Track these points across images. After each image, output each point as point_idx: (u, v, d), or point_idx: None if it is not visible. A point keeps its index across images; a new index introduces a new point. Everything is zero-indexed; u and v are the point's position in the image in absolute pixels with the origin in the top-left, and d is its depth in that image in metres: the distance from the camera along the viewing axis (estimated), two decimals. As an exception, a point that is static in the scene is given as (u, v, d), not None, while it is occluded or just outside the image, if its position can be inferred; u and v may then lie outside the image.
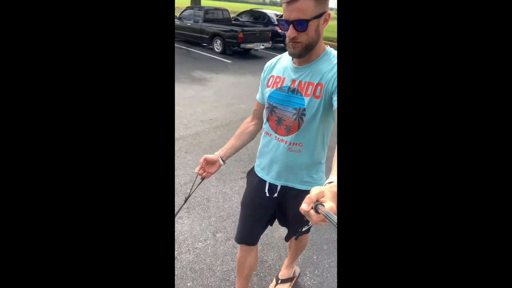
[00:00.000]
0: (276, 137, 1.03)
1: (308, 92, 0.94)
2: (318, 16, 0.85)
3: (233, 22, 9.19)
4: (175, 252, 1.73)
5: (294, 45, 0.88)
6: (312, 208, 0.47)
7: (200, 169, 1.12)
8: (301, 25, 0.83)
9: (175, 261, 1.67)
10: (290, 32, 0.84)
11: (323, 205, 0.47)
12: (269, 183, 1.12)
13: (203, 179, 1.14)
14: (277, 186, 1.11)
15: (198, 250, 1.76)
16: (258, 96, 1.15)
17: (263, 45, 7.98)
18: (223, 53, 7.71)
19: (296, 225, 1.19)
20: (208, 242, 1.82)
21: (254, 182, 1.18)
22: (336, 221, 0.44)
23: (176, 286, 1.54)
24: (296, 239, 1.31)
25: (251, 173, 1.22)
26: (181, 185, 2.34)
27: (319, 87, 0.92)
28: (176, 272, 1.61)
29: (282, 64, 1.03)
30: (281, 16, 0.88)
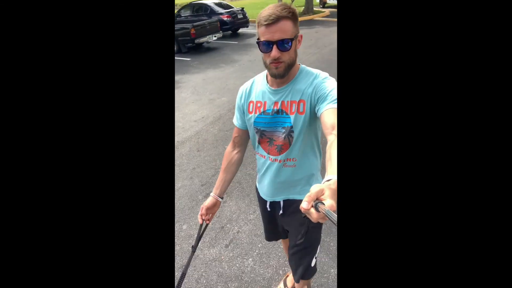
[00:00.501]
0: (269, 157, 1.08)
1: (293, 110, 0.97)
2: (296, 37, 0.90)
3: (177, 19, 9.13)
4: (240, 224, 2.09)
5: (277, 65, 0.90)
6: (312, 206, 0.47)
7: (202, 217, 1.14)
8: (285, 44, 0.87)
9: (245, 228, 2.04)
10: (275, 53, 0.87)
11: (323, 203, 0.46)
12: (270, 202, 1.20)
13: (207, 224, 1.16)
14: (279, 202, 1.17)
15: (253, 220, 2.14)
16: (236, 122, 1.16)
17: (215, 36, 8.14)
18: (179, 52, 7.76)
19: (302, 248, 1.20)
20: (257, 212, 2.20)
21: (259, 200, 1.28)
22: (336, 219, 0.43)
23: (252, 251, 1.92)
24: (303, 273, 1.25)
25: (257, 190, 1.29)
26: (209, 178, 2.66)
27: (301, 104, 0.96)
28: (248, 240, 1.98)
29: (258, 89, 1.05)
30: (258, 38, 0.91)
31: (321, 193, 0.48)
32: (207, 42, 8.45)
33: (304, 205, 0.47)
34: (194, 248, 1.11)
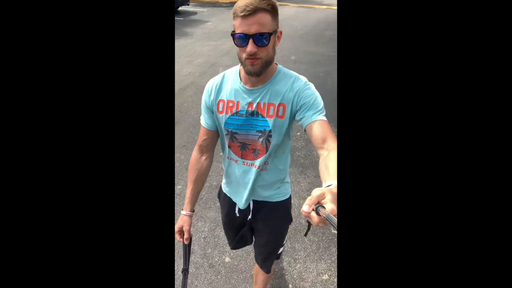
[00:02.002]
0: (244, 162, 1.03)
1: (271, 113, 0.93)
2: (275, 32, 0.84)
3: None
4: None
5: (253, 62, 0.84)
6: (313, 209, 0.47)
7: (180, 238, 1.08)
8: (263, 39, 0.81)
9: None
10: (251, 47, 0.81)
11: (324, 207, 0.47)
12: (239, 207, 1.15)
13: (189, 243, 1.09)
14: (249, 206, 1.14)
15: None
16: (204, 122, 1.06)
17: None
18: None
19: (273, 245, 1.22)
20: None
21: (226, 204, 1.22)
22: (336, 223, 0.43)
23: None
24: (270, 264, 1.28)
25: (221, 196, 1.25)
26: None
27: (281, 107, 0.92)
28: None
29: (230, 86, 0.98)
30: (233, 30, 0.83)
31: (322, 197, 0.48)
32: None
33: (305, 209, 0.47)
34: (185, 271, 1.03)
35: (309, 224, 0.53)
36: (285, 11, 9.92)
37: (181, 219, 1.08)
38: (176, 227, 1.08)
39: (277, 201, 1.14)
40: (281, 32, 0.88)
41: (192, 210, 1.10)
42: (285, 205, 1.17)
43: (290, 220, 1.23)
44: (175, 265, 1.76)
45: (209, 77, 1.25)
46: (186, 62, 5.46)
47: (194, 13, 10.45)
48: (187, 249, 1.07)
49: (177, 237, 1.08)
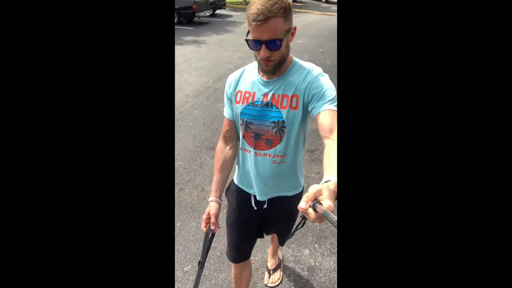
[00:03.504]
0: (256, 152, 1.04)
1: (284, 105, 0.95)
2: (287, 32, 0.86)
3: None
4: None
5: (266, 63, 0.88)
6: (310, 206, 0.47)
7: (206, 225, 1.07)
8: (274, 44, 0.84)
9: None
10: (264, 53, 0.84)
11: (321, 204, 0.46)
12: (255, 197, 1.13)
13: (211, 236, 1.05)
14: (264, 200, 1.13)
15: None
16: (226, 113, 1.09)
17: (208, 12, 10.36)
18: (180, 23, 9.70)
19: (287, 230, 1.26)
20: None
21: (238, 198, 1.19)
22: (333, 220, 0.43)
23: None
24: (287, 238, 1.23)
25: (231, 192, 1.23)
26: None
27: (294, 99, 0.94)
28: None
29: (248, 78, 1.01)
30: (247, 33, 0.87)
31: (319, 193, 0.48)
32: (199, 17, 10.52)
33: (302, 205, 0.47)
34: (202, 264, 0.97)
35: (301, 221, 0.56)
36: (311, 17, 11.54)
37: (209, 206, 1.08)
38: (204, 215, 1.07)
39: (292, 195, 1.15)
40: (295, 28, 0.89)
41: (219, 198, 1.09)
42: (299, 198, 1.22)
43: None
44: (175, 265, 1.78)
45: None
46: (234, 50, 6.80)
47: (230, 15, 11.98)
48: (208, 241, 1.02)
49: (203, 225, 1.07)
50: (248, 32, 0.87)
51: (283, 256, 1.83)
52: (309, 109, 0.93)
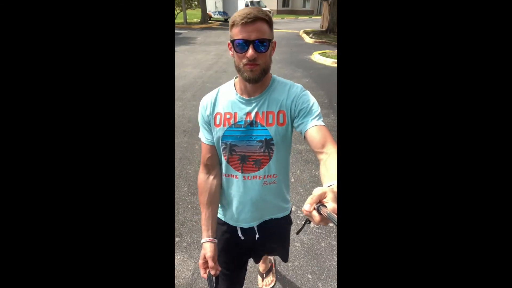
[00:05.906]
0: (244, 176, 0.98)
1: (270, 121, 0.92)
2: (271, 42, 0.85)
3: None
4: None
5: (252, 68, 0.84)
6: (314, 209, 0.47)
7: (206, 271, 0.99)
8: (262, 45, 0.83)
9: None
10: (252, 53, 0.82)
11: (325, 206, 0.46)
12: (241, 227, 1.07)
13: (215, 277, 0.99)
14: (253, 227, 1.07)
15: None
16: (205, 138, 1.00)
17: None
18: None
19: (284, 249, 1.25)
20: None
21: (223, 233, 1.10)
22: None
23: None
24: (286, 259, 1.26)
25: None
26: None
27: (281, 115, 0.92)
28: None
29: (225, 99, 0.96)
30: (231, 38, 0.85)
31: (324, 196, 0.48)
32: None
33: (306, 207, 0.47)
34: None
35: (305, 223, 0.55)
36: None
37: (203, 248, 1.00)
38: (200, 260, 1.00)
39: (282, 217, 1.12)
40: (275, 43, 0.90)
41: (213, 236, 1.01)
42: (289, 218, 1.19)
43: (290, 223, 1.21)
44: (175, 264, 1.79)
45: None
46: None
47: (179, 33, 12.86)
48: (211, 283, 0.97)
49: (201, 271, 1.00)
50: (232, 39, 0.84)
51: (274, 259, 1.83)
52: (295, 124, 0.91)
